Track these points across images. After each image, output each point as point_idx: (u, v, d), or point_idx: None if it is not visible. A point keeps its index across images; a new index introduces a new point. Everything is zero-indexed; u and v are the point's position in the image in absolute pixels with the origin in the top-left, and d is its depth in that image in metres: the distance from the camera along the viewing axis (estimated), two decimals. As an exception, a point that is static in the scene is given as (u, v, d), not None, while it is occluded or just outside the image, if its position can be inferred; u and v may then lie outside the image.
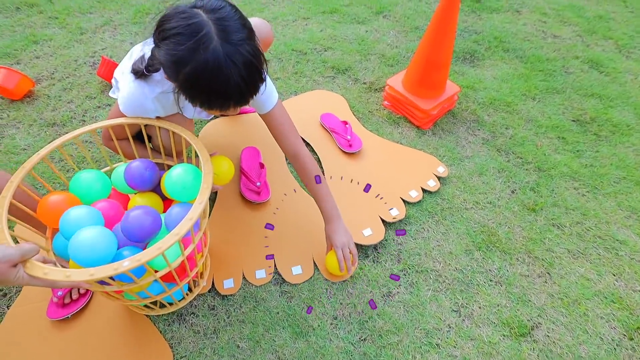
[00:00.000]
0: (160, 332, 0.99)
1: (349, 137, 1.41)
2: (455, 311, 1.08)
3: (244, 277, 1.09)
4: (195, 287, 1.03)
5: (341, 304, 1.07)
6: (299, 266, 1.12)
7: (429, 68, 1.47)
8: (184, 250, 0.80)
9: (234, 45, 0.70)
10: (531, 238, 1.25)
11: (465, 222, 1.28)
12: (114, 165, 1.01)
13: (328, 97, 1.65)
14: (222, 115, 1.50)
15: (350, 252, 1.04)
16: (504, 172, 1.44)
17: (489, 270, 1.17)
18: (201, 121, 1.52)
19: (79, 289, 1.02)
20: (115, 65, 1.52)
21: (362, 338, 1.01)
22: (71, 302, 1.01)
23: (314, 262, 1.14)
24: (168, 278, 0.88)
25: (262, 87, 0.78)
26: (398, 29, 2.09)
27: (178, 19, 0.71)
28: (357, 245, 1.16)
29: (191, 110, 0.99)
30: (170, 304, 0.99)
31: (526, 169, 1.46)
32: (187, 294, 1.01)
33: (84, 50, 1.75)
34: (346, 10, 2.19)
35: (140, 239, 0.77)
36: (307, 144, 1.47)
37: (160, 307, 1.01)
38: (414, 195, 1.30)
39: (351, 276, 1.12)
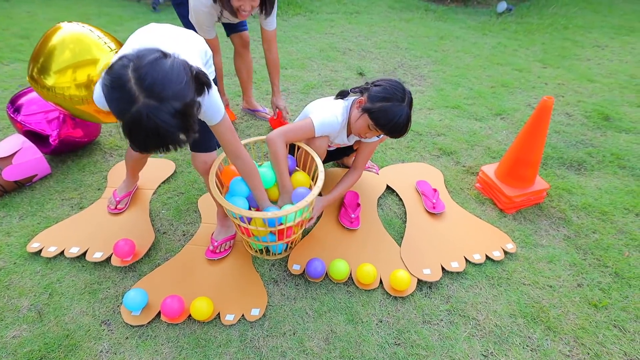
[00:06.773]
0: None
1: (434, 200, 1.76)
2: (484, 356, 1.25)
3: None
4: (289, 248, 1.60)
5: (388, 313, 1.37)
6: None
7: (518, 163, 1.75)
8: (296, 219, 1.38)
9: None
10: (584, 327, 1.33)
11: (518, 293, 1.44)
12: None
13: (428, 169, 2.04)
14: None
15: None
16: (575, 267, 1.54)
17: (528, 337, 1.30)
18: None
19: (226, 246, 1.59)
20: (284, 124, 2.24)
21: (397, 343, 1.28)
22: (219, 252, 1.58)
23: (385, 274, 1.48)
24: (279, 234, 1.44)
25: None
26: (511, 130, 2.38)
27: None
28: (418, 280, 1.46)
29: None
30: (274, 254, 1.59)
31: (601, 271, 1.53)
32: (284, 251, 1.60)
33: (266, 105, 2.58)
34: (467, 108, 2.60)
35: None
36: (400, 199, 1.85)
37: (266, 254, 1.58)
38: (477, 257, 1.54)
39: (402, 297, 1.41)
